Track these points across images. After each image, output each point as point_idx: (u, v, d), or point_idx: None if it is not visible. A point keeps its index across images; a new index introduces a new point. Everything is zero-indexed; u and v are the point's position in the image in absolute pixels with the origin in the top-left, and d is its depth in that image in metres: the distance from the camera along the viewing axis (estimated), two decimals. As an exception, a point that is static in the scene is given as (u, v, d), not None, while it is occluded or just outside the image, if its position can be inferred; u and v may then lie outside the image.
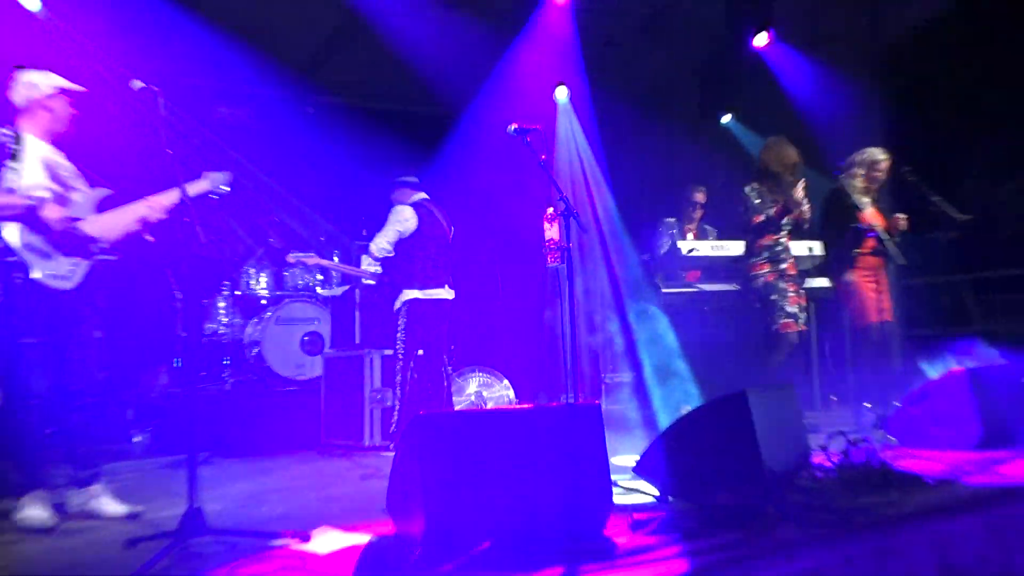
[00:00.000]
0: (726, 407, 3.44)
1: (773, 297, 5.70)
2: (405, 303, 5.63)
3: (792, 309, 5.68)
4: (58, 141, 3.82)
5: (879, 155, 5.97)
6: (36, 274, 3.51)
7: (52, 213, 3.54)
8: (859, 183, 5.90)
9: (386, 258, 5.70)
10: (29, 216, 3.50)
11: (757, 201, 5.77)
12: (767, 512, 2.98)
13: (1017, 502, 3.46)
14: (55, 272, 3.56)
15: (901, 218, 5.83)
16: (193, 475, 3.13)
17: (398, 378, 5.56)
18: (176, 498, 3.93)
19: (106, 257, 3.75)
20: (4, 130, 3.65)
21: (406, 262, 5.66)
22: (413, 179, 5.87)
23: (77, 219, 3.68)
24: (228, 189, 3.98)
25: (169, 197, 3.78)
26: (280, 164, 7.75)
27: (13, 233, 3.50)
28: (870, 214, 5.80)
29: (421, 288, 5.64)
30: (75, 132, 3.88)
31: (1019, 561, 3.32)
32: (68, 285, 3.59)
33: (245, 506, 3.93)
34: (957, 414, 4.52)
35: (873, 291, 5.85)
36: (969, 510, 3.25)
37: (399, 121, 8.85)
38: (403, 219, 5.67)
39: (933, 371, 5.14)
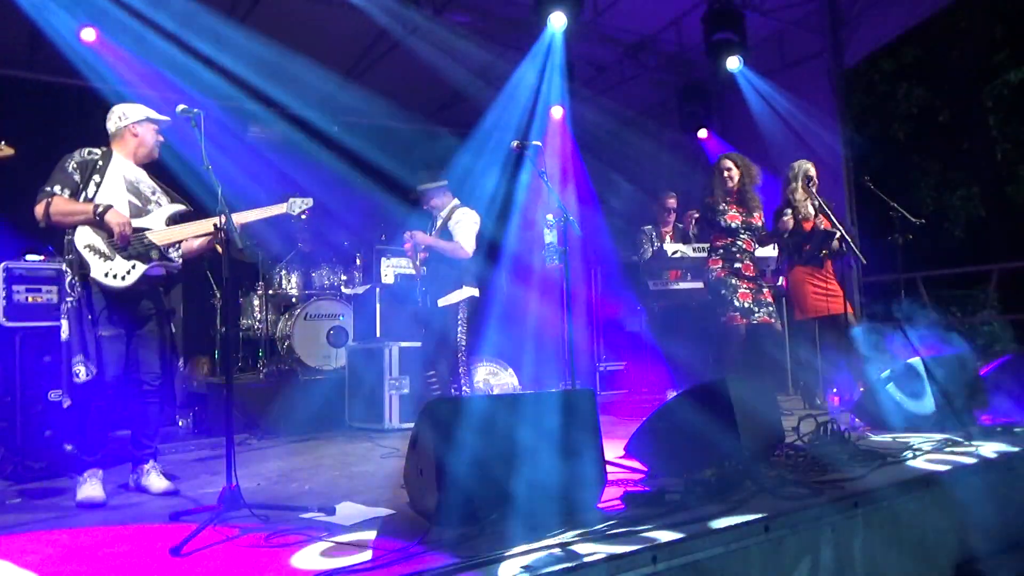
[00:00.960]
0: (708, 393, 3.43)
1: (723, 292, 5.62)
2: (466, 299, 5.40)
3: (741, 304, 5.58)
4: (144, 162, 3.93)
5: (807, 164, 5.91)
6: (95, 273, 3.56)
7: (114, 219, 3.57)
8: (799, 194, 5.84)
9: (433, 256, 5.44)
10: (96, 221, 3.57)
11: (719, 207, 5.73)
12: (746, 487, 2.96)
13: (967, 477, 3.43)
14: (111, 271, 3.58)
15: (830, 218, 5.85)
16: (231, 455, 3.10)
17: (462, 368, 5.37)
18: (216, 476, 3.93)
19: (167, 263, 3.75)
20: (94, 150, 3.79)
21: (467, 260, 5.39)
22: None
23: (143, 228, 3.70)
24: (305, 215, 3.97)
25: (247, 216, 3.82)
26: (308, 176, 7.73)
27: (80, 235, 3.58)
28: (821, 219, 5.75)
29: (474, 286, 5.47)
30: (160, 155, 4.01)
31: (972, 527, 3.30)
32: (121, 285, 3.59)
33: (277, 483, 3.90)
34: (914, 398, 4.49)
35: (813, 288, 5.79)
36: (925, 485, 3.23)
37: (416, 136, 8.84)
38: (475, 220, 5.43)
39: (892, 359, 5.12)
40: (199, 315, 7.02)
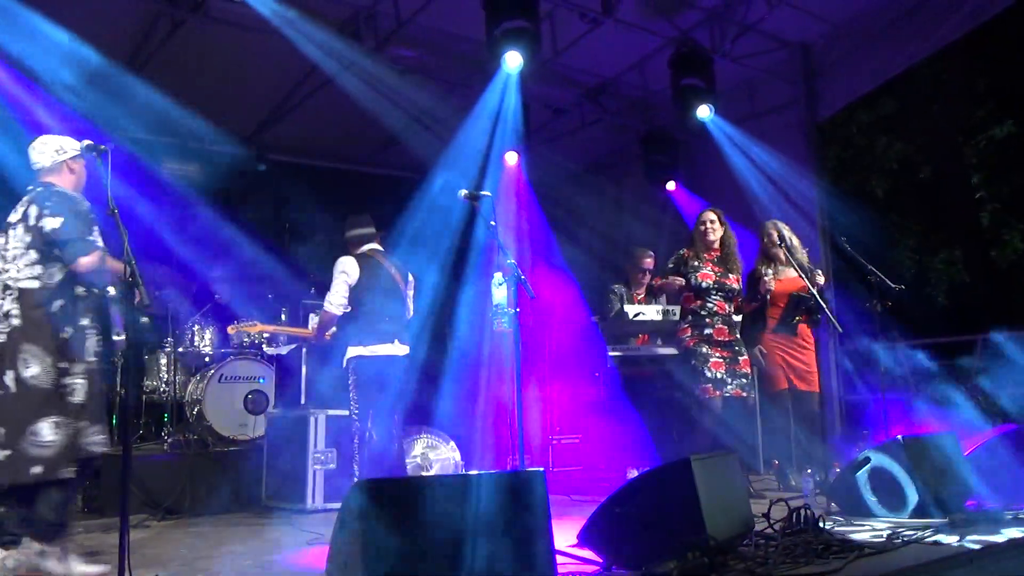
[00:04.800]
0: (671, 474, 3.45)
1: (693, 362, 5.70)
2: (350, 360, 5.24)
3: (713, 374, 5.65)
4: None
5: (767, 227, 6.15)
6: None
7: None
8: (782, 257, 6.01)
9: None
10: None
11: (692, 262, 5.83)
12: (710, 581, 2.96)
13: (951, 569, 3.49)
14: None
15: (818, 273, 5.97)
16: (125, 539, 3.01)
17: (355, 441, 5.15)
18: (106, 564, 3.79)
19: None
20: (29, 187, 3.82)
21: (349, 316, 5.28)
22: (366, 230, 5.44)
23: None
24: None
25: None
26: (228, 220, 7.68)
27: None
28: (791, 281, 5.90)
29: (364, 344, 5.22)
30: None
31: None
32: None
33: (179, 573, 3.78)
34: (893, 481, 4.57)
35: (785, 358, 5.92)
36: (907, 578, 3.27)
37: (351, 181, 8.87)
38: (344, 270, 5.25)
39: (870, 437, 5.22)
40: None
